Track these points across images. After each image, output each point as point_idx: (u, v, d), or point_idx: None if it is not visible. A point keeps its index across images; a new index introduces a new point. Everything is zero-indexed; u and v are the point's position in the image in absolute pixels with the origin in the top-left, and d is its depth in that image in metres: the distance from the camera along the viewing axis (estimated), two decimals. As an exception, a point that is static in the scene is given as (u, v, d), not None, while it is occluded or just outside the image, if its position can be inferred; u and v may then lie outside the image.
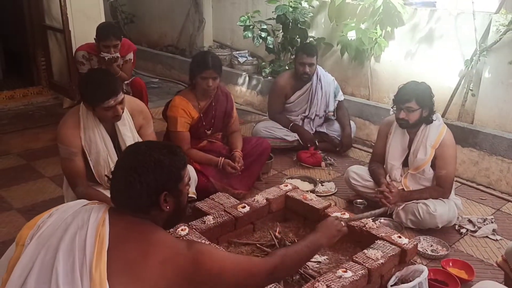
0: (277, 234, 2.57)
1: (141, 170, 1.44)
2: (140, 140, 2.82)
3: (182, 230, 2.38)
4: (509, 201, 3.37)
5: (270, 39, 5.02)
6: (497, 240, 2.87)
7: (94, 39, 3.97)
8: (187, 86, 3.46)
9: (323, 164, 3.90)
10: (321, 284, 2.00)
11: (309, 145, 3.99)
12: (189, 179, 1.61)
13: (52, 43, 4.97)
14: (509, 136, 3.49)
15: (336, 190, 3.46)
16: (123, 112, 2.55)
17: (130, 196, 1.44)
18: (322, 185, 3.51)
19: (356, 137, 4.36)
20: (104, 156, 2.60)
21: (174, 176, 1.49)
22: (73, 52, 4.28)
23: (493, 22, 3.62)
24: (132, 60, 4.30)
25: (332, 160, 3.99)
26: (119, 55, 3.99)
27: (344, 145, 4.14)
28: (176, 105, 3.24)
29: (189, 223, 2.48)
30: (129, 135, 2.67)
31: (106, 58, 3.90)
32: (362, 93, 4.80)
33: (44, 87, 5.24)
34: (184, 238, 2.31)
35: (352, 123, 4.24)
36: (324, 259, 2.45)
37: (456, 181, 3.49)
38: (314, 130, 4.17)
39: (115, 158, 2.73)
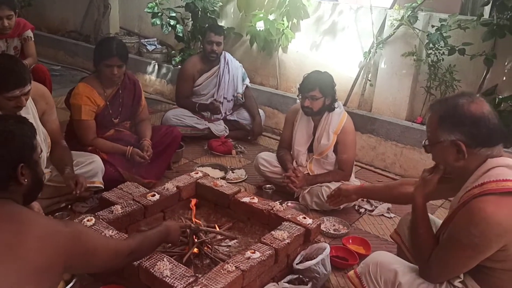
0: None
1: None
2: (43, 128, 2.68)
3: (88, 220, 2.31)
4: (402, 182, 3.67)
5: (179, 27, 4.97)
6: (391, 217, 3.13)
7: None
8: (92, 73, 3.33)
9: (234, 152, 3.97)
10: (230, 266, 2.06)
11: (211, 108, 4.09)
12: (41, 150, 1.58)
13: None
14: (402, 123, 3.82)
15: (246, 176, 3.55)
16: (26, 102, 2.40)
17: None
18: (233, 172, 3.58)
19: (266, 126, 4.48)
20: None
21: (27, 145, 1.48)
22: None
23: (388, 16, 3.90)
24: (33, 39, 4.04)
25: (242, 148, 4.07)
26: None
27: (255, 133, 4.25)
28: (79, 92, 3.10)
29: (96, 213, 2.41)
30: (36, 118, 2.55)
31: None
32: (271, 83, 4.93)
33: None
34: (92, 228, 2.26)
35: (261, 111, 4.35)
36: (234, 243, 2.52)
37: (356, 165, 3.76)
38: (223, 114, 4.23)
39: None
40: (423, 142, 1.69)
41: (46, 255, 1.34)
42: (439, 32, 3.52)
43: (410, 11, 3.67)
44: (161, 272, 1.98)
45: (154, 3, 4.89)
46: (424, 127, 3.66)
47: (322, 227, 2.88)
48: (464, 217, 1.48)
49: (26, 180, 1.46)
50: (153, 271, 2.00)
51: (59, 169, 2.74)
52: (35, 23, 7.15)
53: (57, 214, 2.71)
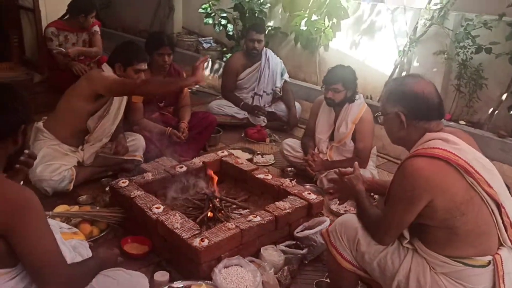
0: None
1: (14, 95, 1.56)
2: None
3: (123, 182, 2.76)
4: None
5: (230, 27, 5.39)
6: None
7: (71, 13, 4.32)
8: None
9: (267, 139, 4.30)
10: (231, 224, 2.40)
11: (256, 111, 4.40)
12: None
13: (25, 21, 5.26)
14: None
15: (274, 161, 3.86)
16: None
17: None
18: (262, 157, 3.90)
19: (302, 118, 4.75)
20: (113, 114, 3.14)
21: (31, 111, 1.62)
22: (43, 30, 4.60)
23: (421, 16, 4.04)
24: (99, 33, 4.65)
25: (277, 137, 4.38)
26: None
27: (291, 124, 4.56)
28: (131, 79, 3.60)
29: (130, 178, 2.86)
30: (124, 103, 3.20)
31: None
32: (313, 79, 5.20)
33: (16, 63, 5.52)
34: (124, 189, 2.69)
35: (297, 104, 4.65)
36: (246, 212, 2.85)
37: (383, 157, 3.95)
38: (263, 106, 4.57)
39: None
40: (376, 114, 1.95)
41: None
42: (466, 31, 3.62)
43: (439, 12, 3.79)
44: (172, 225, 2.37)
45: (208, 4, 5.35)
46: (451, 123, 3.81)
47: (334, 207, 3.13)
48: (398, 174, 1.73)
49: (19, 141, 1.56)
50: (166, 223, 2.39)
51: (114, 138, 3.26)
52: (112, 23, 8.00)
53: (103, 179, 3.21)
